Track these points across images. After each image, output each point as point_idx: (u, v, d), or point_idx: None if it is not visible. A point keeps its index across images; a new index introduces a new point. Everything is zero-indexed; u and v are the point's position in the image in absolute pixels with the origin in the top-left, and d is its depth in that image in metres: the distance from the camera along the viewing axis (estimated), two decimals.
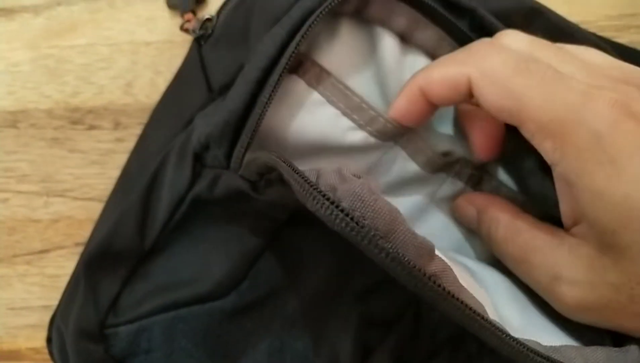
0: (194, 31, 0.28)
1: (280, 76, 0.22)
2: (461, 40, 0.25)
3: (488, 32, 0.25)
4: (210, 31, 0.27)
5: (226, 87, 0.26)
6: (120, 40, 0.35)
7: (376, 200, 0.18)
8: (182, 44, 0.34)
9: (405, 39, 0.26)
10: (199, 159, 0.25)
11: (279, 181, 0.22)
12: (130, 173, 0.28)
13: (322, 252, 0.25)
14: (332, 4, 0.22)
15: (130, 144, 0.33)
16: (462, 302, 0.18)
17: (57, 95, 0.34)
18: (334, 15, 0.25)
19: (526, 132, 0.21)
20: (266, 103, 0.22)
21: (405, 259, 0.17)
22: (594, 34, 0.30)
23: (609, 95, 0.19)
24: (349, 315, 0.26)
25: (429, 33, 0.26)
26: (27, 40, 0.35)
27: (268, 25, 0.25)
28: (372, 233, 0.18)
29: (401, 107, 0.24)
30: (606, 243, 0.19)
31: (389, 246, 0.18)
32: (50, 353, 0.28)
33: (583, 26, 0.33)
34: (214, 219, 0.25)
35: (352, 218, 0.18)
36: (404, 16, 0.25)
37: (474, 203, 0.26)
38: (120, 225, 0.25)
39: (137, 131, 0.33)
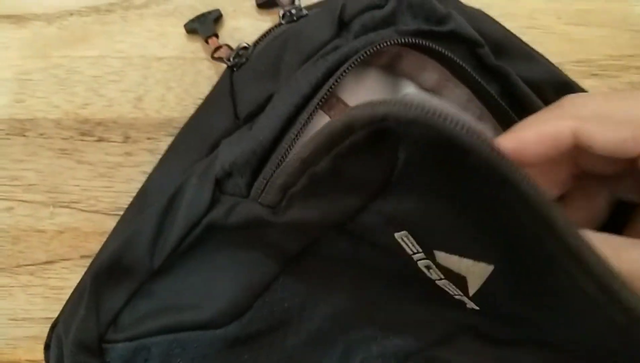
0: (228, 59, 0.28)
1: (311, 115, 0.23)
2: (490, 103, 0.25)
3: (519, 99, 0.25)
4: (244, 60, 0.28)
5: (252, 116, 0.26)
6: (132, 54, 0.35)
7: None
8: (194, 60, 0.35)
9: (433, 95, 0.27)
10: (219, 185, 0.25)
11: (300, 197, 0.22)
12: (149, 190, 0.28)
13: (326, 293, 0.26)
14: (367, 53, 0.23)
15: (138, 158, 0.33)
16: None
17: (67, 105, 0.34)
18: (365, 65, 0.26)
19: None
20: (294, 139, 0.23)
21: None
22: None
23: None
24: (344, 359, 0.26)
25: (458, 93, 0.27)
26: (38, 49, 0.35)
27: (300, 62, 0.26)
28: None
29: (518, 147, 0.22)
30: None
31: None
32: (47, 360, 0.28)
33: (584, 65, 0.34)
34: (225, 246, 0.26)
35: None
36: (435, 73, 0.26)
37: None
38: (133, 241, 0.26)
39: (146, 145, 0.34)
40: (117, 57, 0.35)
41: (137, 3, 0.35)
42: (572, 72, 0.34)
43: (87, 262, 0.32)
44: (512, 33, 0.30)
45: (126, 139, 0.34)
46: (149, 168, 0.33)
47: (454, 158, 0.19)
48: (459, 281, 0.23)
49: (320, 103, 0.24)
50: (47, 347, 0.27)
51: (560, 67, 0.33)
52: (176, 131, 0.34)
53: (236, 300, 0.26)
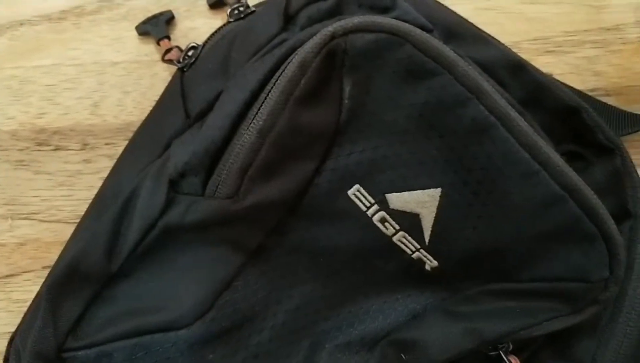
0: (178, 61, 0.28)
1: (259, 109, 0.24)
2: None
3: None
4: (193, 60, 0.28)
5: (202, 114, 0.26)
6: (86, 61, 0.34)
7: None
8: (149, 64, 0.34)
9: None
10: (173, 185, 0.25)
11: (259, 175, 0.24)
12: (104, 196, 0.28)
13: (289, 287, 0.26)
14: (313, 44, 0.23)
15: (98, 164, 0.33)
16: None
17: (22, 116, 0.34)
18: None
19: None
20: (240, 135, 0.24)
21: None
22: (578, 91, 0.31)
23: None
24: (311, 353, 0.26)
25: None
26: None
27: (248, 58, 0.26)
28: None
29: None
30: None
31: None
32: None
33: (541, 42, 0.34)
34: (183, 247, 0.26)
35: None
36: None
37: None
38: (90, 246, 0.25)
39: (105, 151, 0.33)
40: (71, 64, 0.34)
41: (90, 9, 0.35)
42: (528, 50, 0.34)
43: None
44: (464, 18, 0.30)
45: (84, 146, 0.33)
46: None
47: (393, 57, 0.23)
48: (414, 225, 0.24)
49: (265, 96, 0.24)
50: (5, 361, 0.27)
51: (516, 46, 0.33)
52: None
53: (198, 300, 0.25)
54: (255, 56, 0.26)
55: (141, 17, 0.35)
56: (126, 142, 0.33)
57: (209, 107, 0.26)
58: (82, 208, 0.32)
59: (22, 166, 0.33)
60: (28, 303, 0.31)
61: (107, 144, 0.33)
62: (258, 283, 0.26)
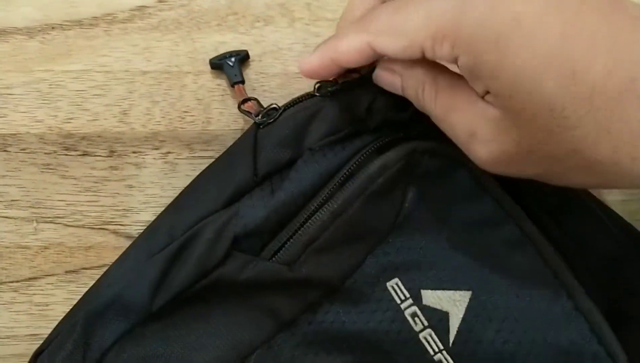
0: (256, 115, 0.29)
1: (331, 191, 0.27)
2: None
3: None
4: (271, 120, 0.29)
5: (270, 175, 0.28)
6: (116, 68, 0.35)
7: None
8: (179, 75, 0.35)
9: None
10: (233, 242, 0.27)
11: (316, 251, 0.27)
12: (158, 232, 0.28)
13: None
14: (397, 153, 0.27)
15: (124, 172, 0.33)
16: None
17: (50, 120, 0.34)
18: None
19: (429, 52, 0.24)
20: (313, 211, 0.27)
21: None
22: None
23: None
24: None
25: None
26: (19, 63, 0.34)
27: (323, 136, 0.28)
28: None
29: (313, 68, 0.28)
30: (507, 107, 0.22)
31: None
32: None
33: None
34: (224, 303, 0.27)
35: None
36: None
37: (394, 70, 0.27)
38: (137, 281, 0.26)
39: (132, 159, 0.34)
40: (101, 71, 0.35)
41: (121, 17, 0.35)
42: None
43: (72, 277, 0.32)
44: None
45: (111, 153, 0.34)
46: (134, 182, 0.33)
47: (452, 178, 0.27)
48: (442, 323, 0.27)
49: (339, 181, 0.27)
50: None
51: None
52: (162, 145, 0.34)
53: (223, 359, 0.27)
54: (334, 136, 0.28)
55: (172, 28, 0.35)
56: (153, 151, 0.34)
57: (278, 171, 0.28)
58: (107, 214, 0.33)
59: (49, 170, 0.33)
60: (50, 307, 0.32)
61: (134, 152, 0.34)
62: (279, 357, 0.27)
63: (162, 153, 0.34)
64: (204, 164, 0.33)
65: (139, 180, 0.33)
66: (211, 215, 0.28)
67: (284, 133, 0.28)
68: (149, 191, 0.33)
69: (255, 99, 0.32)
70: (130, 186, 0.33)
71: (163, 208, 0.33)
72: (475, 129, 0.24)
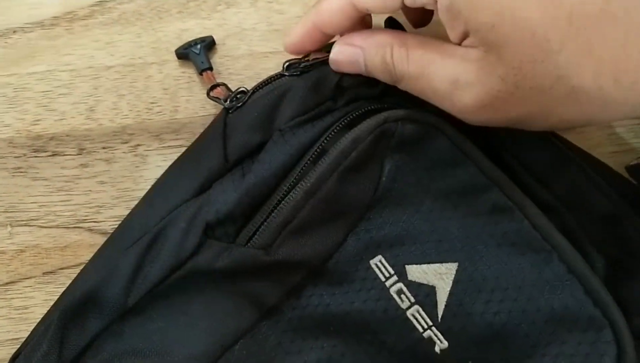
0: (225, 100, 0.29)
1: (302, 169, 0.26)
2: None
3: None
4: (240, 104, 0.28)
5: (241, 160, 0.27)
6: (80, 66, 0.34)
7: None
8: (143, 66, 0.34)
9: None
10: (206, 230, 0.26)
11: (295, 233, 0.25)
12: (130, 226, 0.28)
13: (296, 354, 0.26)
14: (354, 115, 0.27)
15: (95, 169, 0.33)
16: None
17: (18, 124, 0.34)
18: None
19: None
20: (286, 191, 0.26)
21: None
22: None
23: None
24: None
25: None
26: None
27: (294, 115, 0.27)
28: None
29: (297, 38, 0.28)
30: (490, 42, 0.22)
31: None
32: None
33: None
34: (202, 293, 0.26)
35: None
36: None
37: (354, 43, 0.27)
38: (110, 277, 0.26)
39: (102, 155, 0.33)
40: (65, 70, 0.34)
41: (82, 14, 0.35)
42: None
43: (50, 279, 0.32)
44: None
45: (81, 151, 0.33)
46: (106, 178, 0.33)
47: (430, 146, 0.26)
48: (429, 298, 0.25)
49: (311, 159, 0.26)
50: None
51: None
52: (131, 138, 0.33)
53: (203, 351, 0.26)
54: (304, 115, 0.27)
55: (133, 20, 0.35)
56: (122, 145, 0.33)
57: (249, 155, 0.27)
58: (81, 213, 0.32)
59: (20, 173, 0.33)
60: (29, 309, 0.31)
61: (103, 148, 0.33)
62: (265, 346, 0.26)
63: (132, 146, 0.33)
64: (174, 154, 0.33)
65: (110, 175, 0.33)
66: (183, 204, 0.27)
67: (253, 116, 0.28)
68: (121, 186, 0.33)
69: (224, 85, 0.31)
70: (102, 182, 0.33)
71: (135, 201, 0.32)
72: (457, 76, 0.23)
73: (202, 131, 0.33)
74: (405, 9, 0.30)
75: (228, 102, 0.29)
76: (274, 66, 0.34)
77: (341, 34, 0.29)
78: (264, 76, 0.34)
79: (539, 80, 0.22)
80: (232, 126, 0.28)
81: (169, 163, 0.33)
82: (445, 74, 0.24)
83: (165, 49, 0.35)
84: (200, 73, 0.33)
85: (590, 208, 0.27)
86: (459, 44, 0.23)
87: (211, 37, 0.34)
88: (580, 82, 0.21)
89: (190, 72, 0.34)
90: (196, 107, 0.34)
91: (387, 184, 0.26)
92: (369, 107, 0.27)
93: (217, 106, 0.34)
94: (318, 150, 0.26)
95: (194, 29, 0.35)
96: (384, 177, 0.26)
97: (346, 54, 0.27)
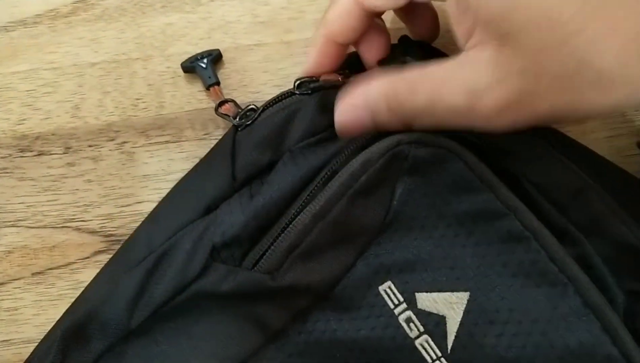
0: (234, 117, 0.28)
1: (312, 192, 0.25)
2: None
3: None
4: (250, 122, 0.28)
5: (249, 180, 0.27)
6: (64, 64, 0.34)
7: None
8: (128, 62, 0.34)
9: None
10: (212, 252, 0.25)
11: (302, 258, 0.25)
12: (136, 244, 0.27)
13: None
14: (380, 146, 0.25)
15: (82, 167, 0.33)
16: None
17: (3, 124, 0.33)
18: None
19: None
20: (294, 214, 0.25)
21: None
22: None
23: None
24: None
25: None
26: None
27: (304, 136, 0.27)
28: None
29: (314, 63, 0.28)
30: (502, 33, 0.20)
31: None
32: None
33: None
34: (207, 316, 0.25)
35: None
36: None
37: (356, 103, 0.25)
38: (113, 297, 0.25)
39: (88, 153, 0.33)
40: (49, 68, 0.34)
41: (64, 11, 0.35)
42: None
43: (40, 279, 0.31)
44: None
45: (67, 149, 0.33)
46: (93, 177, 0.32)
47: (445, 170, 0.25)
48: (439, 328, 0.24)
49: (321, 181, 0.25)
50: None
51: None
52: (117, 135, 0.33)
53: None
54: (315, 137, 0.27)
55: (116, 16, 0.35)
56: (109, 142, 0.33)
57: (257, 175, 0.27)
58: (68, 212, 0.32)
59: (6, 174, 0.33)
60: (19, 311, 0.31)
61: (89, 146, 0.33)
62: None
63: (118, 144, 0.33)
64: (160, 150, 0.33)
65: (97, 174, 0.33)
66: (189, 224, 0.26)
67: (262, 135, 0.27)
68: (108, 184, 0.32)
69: (233, 101, 0.31)
70: (89, 181, 0.32)
71: (122, 199, 0.32)
72: (472, 84, 0.22)
73: (188, 126, 0.33)
74: (410, 14, 0.29)
75: (237, 119, 0.28)
76: (259, 58, 0.34)
77: (355, 44, 0.28)
78: (249, 69, 0.34)
79: (560, 67, 0.20)
80: (240, 145, 0.28)
81: (155, 159, 0.33)
82: (458, 88, 0.22)
83: (149, 44, 0.34)
84: (207, 88, 0.32)
85: (610, 237, 0.25)
86: (465, 44, 0.22)
87: (218, 50, 0.33)
88: (605, 63, 0.19)
89: (174, 67, 0.34)
90: (182, 103, 0.33)
91: (398, 208, 0.25)
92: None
93: (202, 101, 0.33)
94: (328, 173, 0.25)
95: (177, 23, 0.34)
96: (395, 201, 0.25)
97: (350, 116, 0.26)
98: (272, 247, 0.25)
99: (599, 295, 0.23)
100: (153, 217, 0.28)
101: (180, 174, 0.29)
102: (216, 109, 0.30)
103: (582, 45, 0.19)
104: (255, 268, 0.25)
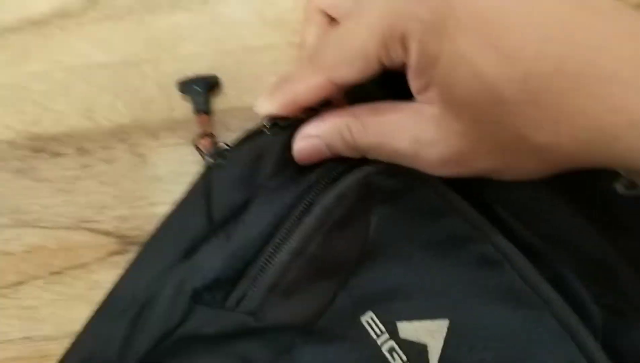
0: (208, 155, 0.29)
1: (288, 231, 0.26)
2: None
3: None
4: (222, 161, 0.28)
5: (226, 221, 0.27)
6: (75, 64, 0.34)
7: None
8: (138, 63, 0.34)
9: None
10: (194, 295, 0.26)
11: (284, 295, 0.25)
12: (120, 295, 0.27)
13: None
14: (352, 179, 0.26)
15: (95, 169, 0.33)
16: None
17: (18, 125, 0.34)
18: None
19: (386, 59, 0.23)
20: (272, 253, 0.25)
21: None
22: None
23: None
24: None
25: None
26: None
27: (277, 172, 0.27)
28: None
29: (272, 113, 0.27)
30: (448, 99, 0.22)
31: None
32: None
33: None
34: (193, 358, 0.26)
35: None
36: None
37: (311, 135, 0.26)
38: (101, 349, 0.26)
39: (101, 155, 0.33)
40: (61, 68, 0.34)
41: (74, 12, 0.35)
42: None
43: (58, 279, 0.33)
44: None
45: (81, 151, 0.34)
46: (106, 178, 0.33)
47: (415, 198, 0.26)
48: (421, 356, 0.25)
49: (296, 217, 0.26)
50: None
51: None
52: (128, 137, 0.33)
53: None
54: (285, 172, 0.27)
55: (124, 16, 0.35)
56: (121, 144, 0.34)
57: (233, 215, 0.27)
58: (83, 213, 0.33)
59: (22, 175, 0.33)
60: (38, 309, 0.33)
61: (103, 147, 0.34)
62: None
63: (130, 145, 0.34)
64: (171, 153, 0.33)
65: (110, 175, 0.33)
66: (170, 269, 0.27)
67: (235, 174, 0.28)
68: (122, 185, 0.33)
69: (211, 135, 0.31)
70: (103, 182, 0.33)
71: (136, 201, 0.33)
72: (418, 135, 0.23)
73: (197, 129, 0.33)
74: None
75: (210, 158, 0.29)
76: (268, 61, 0.34)
77: None
78: (259, 71, 0.34)
79: (498, 138, 0.22)
80: (215, 185, 0.28)
81: (168, 162, 0.33)
82: (406, 136, 0.24)
83: (158, 45, 0.34)
84: (197, 113, 0.33)
85: (581, 253, 0.26)
86: (417, 96, 0.23)
87: (216, 77, 0.33)
88: (541, 140, 0.21)
89: (185, 69, 0.34)
90: (192, 105, 0.34)
91: (374, 238, 0.26)
92: (351, 163, 0.27)
93: (213, 104, 0.34)
94: (302, 209, 0.26)
95: (184, 23, 0.34)
96: (372, 231, 0.26)
97: (307, 148, 0.27)
98: (253, 287, 0.26)
99: (574, 316, 0.24)
100: (134, 263, 0.29)
101: (191, 177, 0.30)
102: (196, 140, 0.31)
103: (520, 123, 0.21)
104: (237, 308, 0.26)
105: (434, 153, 0.23)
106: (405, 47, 0.22)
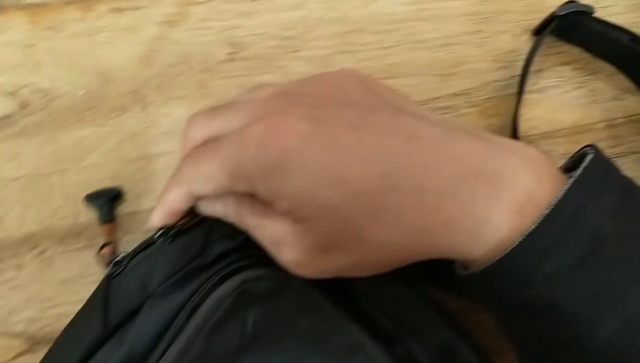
0: (107, 263, 0.32)
1: (178, 330, 0.28)
2: None
3: None
4: (120, 269, 0.31)
5: (120, 326, 0.30)
6: None
7: None
8: (46, 176, 0.38)
9: None
10: None
11: None
12: None
13: None
14: (228, 287, 0.29)
15: (5, 276, 0.36)
16: None
17: None
18: None
19: (233, 189, 0.27)
20: (161, 354, 0.28)
21: None
22: None
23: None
24: None
25: None
26: None
27: (167, 277, 0.30)
28: None
29: (159, 224, 0.30)
30: (297, 218, 0.26)
31: None
32: None
33: None
34: None
35: None
36: None
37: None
38: None
39: (13, 262, 0.36)
40: None
41: None
42: None
43: None
44: None
45: None
46: (15, 283, 0.36)
47: (285, 297, 0.29)
48: None
49: (183, 320, 0.29)
50: None
51: None
52: (38, 244, 0.37)
53: None
54: (172, 279, 0.30)
55: (35, 133, 0.38)
56: (31, 251, 0.36)
57: (126, 320, 0.30)
58: None
59: None
60: None
61: (13, 256, 0.36)
62: None
63: (39, 251, 0.37)
64: (76, 256, 0.36)
65: (20, 281, 0.36)
66: None
67: (130, 283, 0.31)
68: (30, 289, 0.36)
69: (111, 245, 0.35)
70: (13, 288, 0.36)
71: (43, 302, 0.36)
72: (279, 238, 0.27)
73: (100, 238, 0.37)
74: None
75: (110, 267, 0.32)
76: (164, 166, 0.38)
77: None
78: (156, 175, 0.38)
79: (345, 244, 0.26)
80: (112, 292, 0.31)
81: (72, 263, 0.36)
82: (268, 236, 0.27)
83: (65, 157, 0.38)
84: (102, 224, 0.36)
85: (430, 337, 0.31)
86: (271, 204, 0.27)
87: (118, 190, 0.37)
88: (380, 240, 0.25)
89: (89, 179, 0.38)
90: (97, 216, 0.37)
91: (253, 333, 0.29)
92: (234, 266, 0.31)
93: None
94: (188, 312, 0.29)
95: (90, 137, 0.38)
96: (249, 326, 0.29)
97: (211, 208, 0.30)
98: None
99: None
100: None
101: (96, 277, 0.33)
102: (99, 251, 0.34)
103: (358, 229, 0.25)
104: None
105: (292, 255, 0.27)
106: (248, 183, 0.26)
